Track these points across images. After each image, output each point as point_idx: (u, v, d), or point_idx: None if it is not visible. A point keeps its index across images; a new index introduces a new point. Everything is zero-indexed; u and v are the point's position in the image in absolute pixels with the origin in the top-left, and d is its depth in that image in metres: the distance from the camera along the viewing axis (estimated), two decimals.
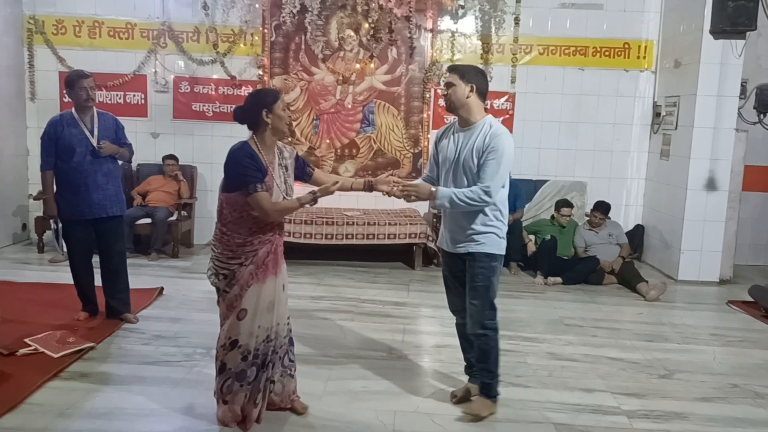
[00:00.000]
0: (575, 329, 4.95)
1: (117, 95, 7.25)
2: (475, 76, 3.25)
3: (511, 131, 7.43)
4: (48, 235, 6.74)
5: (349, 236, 6.52)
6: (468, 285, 3.35)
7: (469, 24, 7.21)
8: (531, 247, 6.72)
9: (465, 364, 3.66)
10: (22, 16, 7.09)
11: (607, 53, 7.31)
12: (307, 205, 3.10)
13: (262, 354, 3.11)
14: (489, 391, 3.42)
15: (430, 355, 4.33)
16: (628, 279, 6.14)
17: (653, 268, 7.01)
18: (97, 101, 4.57)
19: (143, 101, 7.30)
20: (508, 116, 7.44)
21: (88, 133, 4.45)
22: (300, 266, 6.43)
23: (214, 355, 3.21)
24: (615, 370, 4.16)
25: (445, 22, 7.23)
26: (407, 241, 6.58)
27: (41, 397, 3.49)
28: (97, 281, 4.76)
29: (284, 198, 3.09)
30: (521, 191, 6.97)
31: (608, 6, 7.24)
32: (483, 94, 3.29)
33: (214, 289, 3.22)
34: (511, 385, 3.83)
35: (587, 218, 6.82)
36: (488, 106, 7.38)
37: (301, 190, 3.18)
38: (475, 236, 3.27)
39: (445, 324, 4.99)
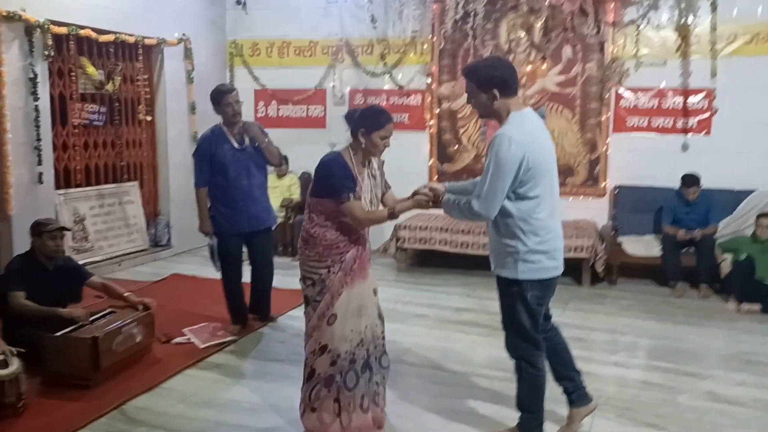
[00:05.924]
0: (755, 367, 4.11)
1: (301, 109, 7.79)
2: (492, 72, 2.77)
3: (708, 133, 6.58)
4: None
5: None
6: None
7: (657, 14, 6.45)
8: (725, 267, 5.75)
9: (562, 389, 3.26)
10: (225, 42, 7.98)
11: None
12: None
13: (360, 358, 3.11)
14: (523, 427, 3.06)
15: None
16: None
17: None
18: (242, 114, 4.61)
19: (323, 114, 7.75)
20: (705, 116, 6.49)
21: (237, 147, 4.56)
22: (455, 276, 6.18)
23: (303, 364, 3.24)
24: None
25: (630, 14, 6.55)
26: (571, 255, 6.01)
27: (175, 382, 3.84)
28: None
29: (369, 208, 3.12)
30: (714, 203, 6.02)
31: None
32: (508, 88, 2.77)
33: None
34: (644, 425, 3.32)
35: None
36: (679, 105, 6.53)
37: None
38: (495, 257, 2.98)
39: (593, 348, 4.53)
